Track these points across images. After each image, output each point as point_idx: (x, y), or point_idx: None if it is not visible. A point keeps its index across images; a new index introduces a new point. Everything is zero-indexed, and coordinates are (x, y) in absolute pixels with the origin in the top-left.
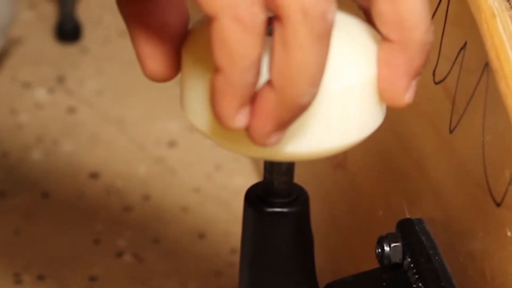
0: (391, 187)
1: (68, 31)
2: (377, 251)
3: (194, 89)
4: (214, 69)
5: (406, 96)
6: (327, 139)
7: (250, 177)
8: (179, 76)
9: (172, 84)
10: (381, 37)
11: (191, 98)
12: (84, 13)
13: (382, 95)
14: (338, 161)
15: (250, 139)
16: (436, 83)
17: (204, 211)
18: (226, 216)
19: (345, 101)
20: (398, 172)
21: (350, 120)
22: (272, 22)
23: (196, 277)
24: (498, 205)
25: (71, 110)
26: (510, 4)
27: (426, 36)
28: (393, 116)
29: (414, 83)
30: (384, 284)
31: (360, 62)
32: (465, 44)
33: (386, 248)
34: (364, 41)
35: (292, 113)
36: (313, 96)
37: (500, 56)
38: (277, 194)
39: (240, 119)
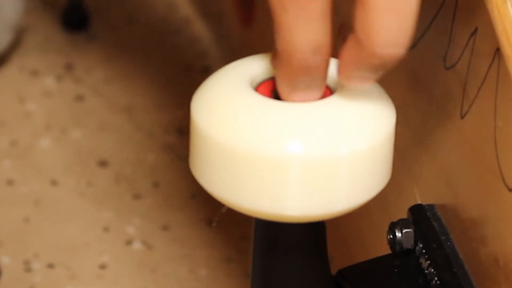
0: (402, 173)
1: (75, 18)
2: (388, 237)
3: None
4: None
5: (351, 82)
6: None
7: None
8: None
9: (180, 71)
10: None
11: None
12: (92, 0)
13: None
14: None
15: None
16: (446, 69)
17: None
18: None
19: (353, 165)
20: (409, 158)
21: (358, 182)
22: None
23: (206, 264)
24: (511, 190)
25: (80, 97)
26: None
27: (385, 51)
28: (404, 101)
29: (362, 73)
30: (396, 270)
31: (369, 127)
32: (475, 29)
33: (398, 234)
34: (377, 108)
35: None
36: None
37: None
38: None
39: None
